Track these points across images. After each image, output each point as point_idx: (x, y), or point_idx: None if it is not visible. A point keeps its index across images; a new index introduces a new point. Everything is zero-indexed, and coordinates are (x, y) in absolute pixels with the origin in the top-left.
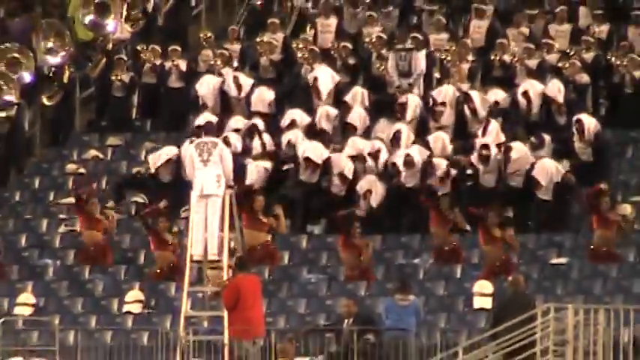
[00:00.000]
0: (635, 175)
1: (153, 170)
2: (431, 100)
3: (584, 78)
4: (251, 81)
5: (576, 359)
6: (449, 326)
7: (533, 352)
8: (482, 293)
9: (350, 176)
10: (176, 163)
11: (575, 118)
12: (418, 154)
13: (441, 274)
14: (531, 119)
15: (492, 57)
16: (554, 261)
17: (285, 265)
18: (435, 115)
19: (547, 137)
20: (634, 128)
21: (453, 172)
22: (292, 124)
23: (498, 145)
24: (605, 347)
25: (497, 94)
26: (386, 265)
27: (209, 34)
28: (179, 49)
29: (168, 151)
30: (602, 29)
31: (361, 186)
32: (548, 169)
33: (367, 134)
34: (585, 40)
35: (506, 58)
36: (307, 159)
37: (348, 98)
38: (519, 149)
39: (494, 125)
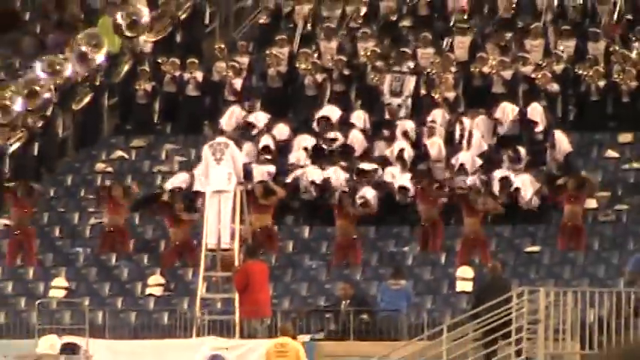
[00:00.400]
0: (599, 173)
1: (166, 198)
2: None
3: (555, 87)
4: (268, 116)
5: (547, 336)
6: (434, 307)
7: (509, 330)
8: (464, 278)
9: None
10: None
11: (550, 132)
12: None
13: (427, 260)
14: (507, 133)
15: (472, 69)
16: (528, 249)
17: (289, 252)
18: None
19: (522, 150)
20: (598, 131)
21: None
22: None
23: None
24: (573, 326)
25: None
26: (379, 252)
27: (223, 47)
28: (196, 61)
29: (182, 178)
30: (569, 44)
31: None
32: (529, 183)
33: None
34: (555, 53)
35: (485, 69)
36: (312, 182)
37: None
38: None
39: (477, 136)
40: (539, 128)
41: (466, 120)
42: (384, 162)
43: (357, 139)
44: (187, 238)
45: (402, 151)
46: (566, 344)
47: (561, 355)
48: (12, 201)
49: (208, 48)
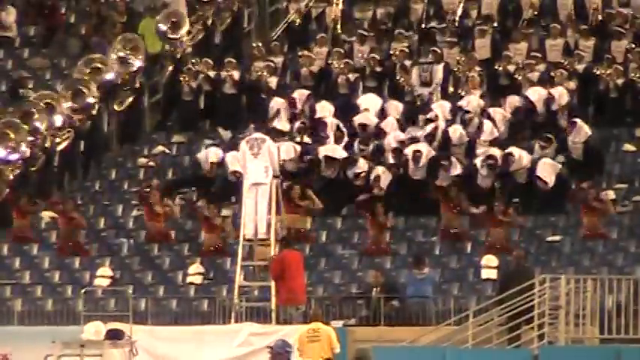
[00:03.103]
0: (617, 165)
1: (207, 167)
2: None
3: (571, 85)
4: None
5: (568, 321)
6: (461, 294)
7: (532, 316)
8: (489, 266)
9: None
10: (221, 164)
11: (571, 120)
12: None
13: (453, 249)
14: (537, 121)
15: (497, 67)
16: (550, 238)
17: (323, 242)
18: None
19: (552, 138)
20: (617, 127)
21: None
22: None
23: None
24: (593, 311)
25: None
26: (408, 242)
27: (260, 46)
28: (234, 60)
29: (215, 152)
30: (589, 44)
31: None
32: (550, 167)
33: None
34: (576, 53)
35: (510, 68)
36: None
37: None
38: (518, 152)
39: (488, 125)
40: (562, 113)
41: (491, 109)
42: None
43: (391, 126)
44: (220, 242)
45: (435, 129)
46: (586, 329)
47: (581, 339)
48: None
49: (246, 48)
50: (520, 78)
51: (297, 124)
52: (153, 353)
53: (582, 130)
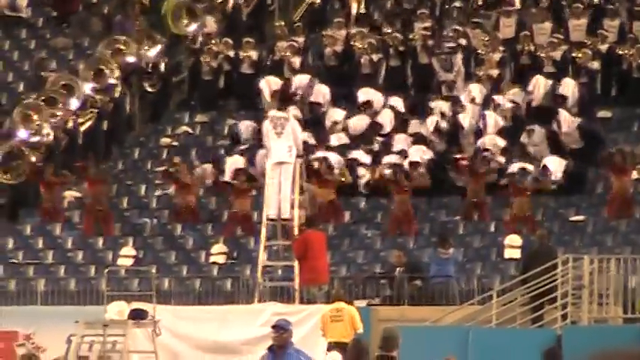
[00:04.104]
0: (639, 145)
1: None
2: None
3: (595, 65)
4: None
5: (591, 301)
6: (484, 273)
7: (555, 295)
8: (512, 245)
9: None
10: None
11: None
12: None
13: (477, 229)
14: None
15: (519, 47)
16: (573, 218)
17: (347, 222)
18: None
19: (538, 128)
20: (639, 106)
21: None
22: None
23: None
24: (616, 291)
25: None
26: (431, 222)
27: (284, 26)
28: (251, 40)
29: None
30: (614, 24)
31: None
32: (557, 163)
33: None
34: (600, 32)
35: (532, 48)
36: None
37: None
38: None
39: (492, 117)
40: (569, 103)
41: (497, 97)
42: (419, 139)
43: (388, 118)
44: (248, 210)
45: (438, 123)
46: (609, 308)
47: (605, 318)
48: (84, 178)
49: (270, 28)
50: (543, 56)
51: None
52: (176, 333)
53: (568, 121)
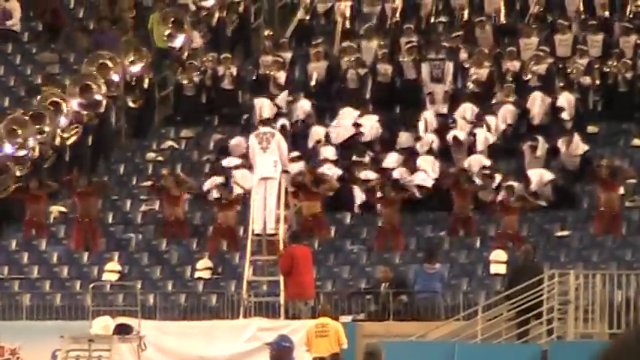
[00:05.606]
0: (626, 160)
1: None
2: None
3: (587, 80)
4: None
5: (577, 316)
6: (470, 289)
7: (541, 311)
8: (498, 261)
9: None
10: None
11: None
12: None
13: (463, 244)
14: (534, 122)
15: (504, 64)
16: (559, 234)
17: (332, 238)
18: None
19: (541, 140)
20: (625, 121)
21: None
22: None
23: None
24: (602, 307)
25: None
26: (417, 237)
27: (269, 37)
28: (230, 56)
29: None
30: (597, 39)
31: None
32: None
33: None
34: (579, 48)
35: (516, 64)
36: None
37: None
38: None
39: (482, 134)
40: (565, 116)
41: (489, 117)
42: (410, 153)
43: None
44: (232, 223)
45: (432, 143)
46: (595, 324)
47: (590, 334)
48: (72, 191)
49: (255, 44)
50: (528, 73)
51: (280, 122)
52: (161, 348)
53: (579, 145)
